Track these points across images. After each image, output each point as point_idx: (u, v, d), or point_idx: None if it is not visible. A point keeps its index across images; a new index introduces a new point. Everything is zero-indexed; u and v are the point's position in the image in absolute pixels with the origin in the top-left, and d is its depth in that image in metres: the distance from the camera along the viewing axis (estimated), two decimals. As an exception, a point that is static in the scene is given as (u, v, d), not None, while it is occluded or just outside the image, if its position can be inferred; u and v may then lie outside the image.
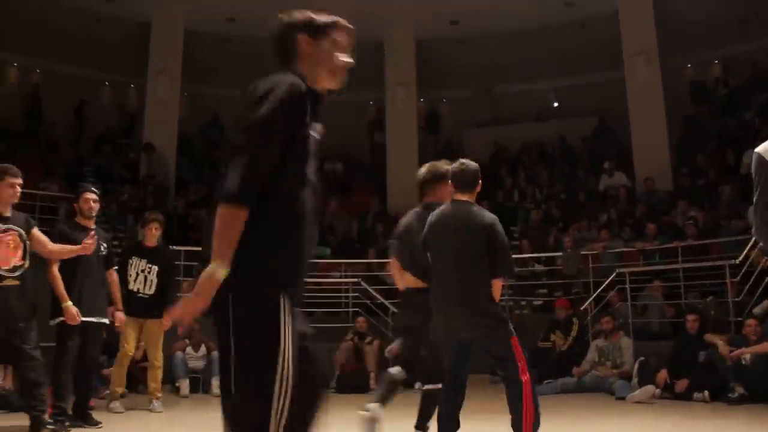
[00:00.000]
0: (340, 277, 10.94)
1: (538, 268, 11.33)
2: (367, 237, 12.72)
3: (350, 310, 10.29)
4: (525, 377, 3.80)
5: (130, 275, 6.62)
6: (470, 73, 15.53)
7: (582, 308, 9.42)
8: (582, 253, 10.69)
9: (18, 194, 4.79)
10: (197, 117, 15.76)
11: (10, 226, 4.64)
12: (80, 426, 5.61)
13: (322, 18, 2.31)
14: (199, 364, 8.56)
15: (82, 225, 5.67)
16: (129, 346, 6.64)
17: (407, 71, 14.74)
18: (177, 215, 12.29)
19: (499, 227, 3.97)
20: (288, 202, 2.10)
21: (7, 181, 4.68)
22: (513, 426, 3.85)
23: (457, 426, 4.06)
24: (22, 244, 4.67)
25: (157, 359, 6.83)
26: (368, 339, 9.05)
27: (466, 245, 3.95)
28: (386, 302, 10.44)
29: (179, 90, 14.12)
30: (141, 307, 6.63)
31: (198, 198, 13.70)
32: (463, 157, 4.26)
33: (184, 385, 8.27)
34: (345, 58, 2.30)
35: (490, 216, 4.01)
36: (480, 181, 4.12)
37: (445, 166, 4.40)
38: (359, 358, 8.90)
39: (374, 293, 10.57)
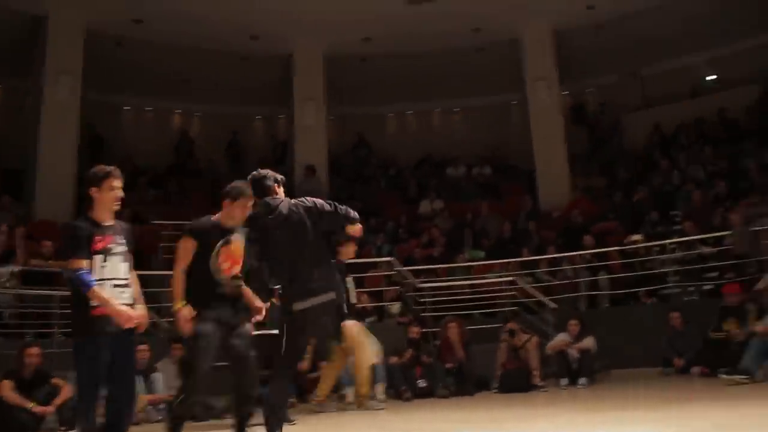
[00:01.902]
0: (496, 278, 10.81)
1: (706, 250, 10.56)
2: (520, 236, 12.47)
3: (506, 309, 10.13)
4: None
5: None
6: (613, 57, 14.89)
7: (757, 288, 8.65)
8: (754, 229, 9.85)
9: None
10: (345, 138, 16.37)
11: (233, 237, 4.48)
12: None
13: None
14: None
15: None
16: None
17: (545, 65, 14.37)
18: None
19: None
20: None
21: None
22: None
23: None
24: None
25: None
26: (526, 337, 8.88)
27: None
28: (544, 299, 10.19)
29: (325, 114, 14.71)
30: None
31: (352, 214, 14.13)
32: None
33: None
34: None
35: None
36: None
37: None
38: (517, 356, 8.76)
39: (531, 291, 10.36)
